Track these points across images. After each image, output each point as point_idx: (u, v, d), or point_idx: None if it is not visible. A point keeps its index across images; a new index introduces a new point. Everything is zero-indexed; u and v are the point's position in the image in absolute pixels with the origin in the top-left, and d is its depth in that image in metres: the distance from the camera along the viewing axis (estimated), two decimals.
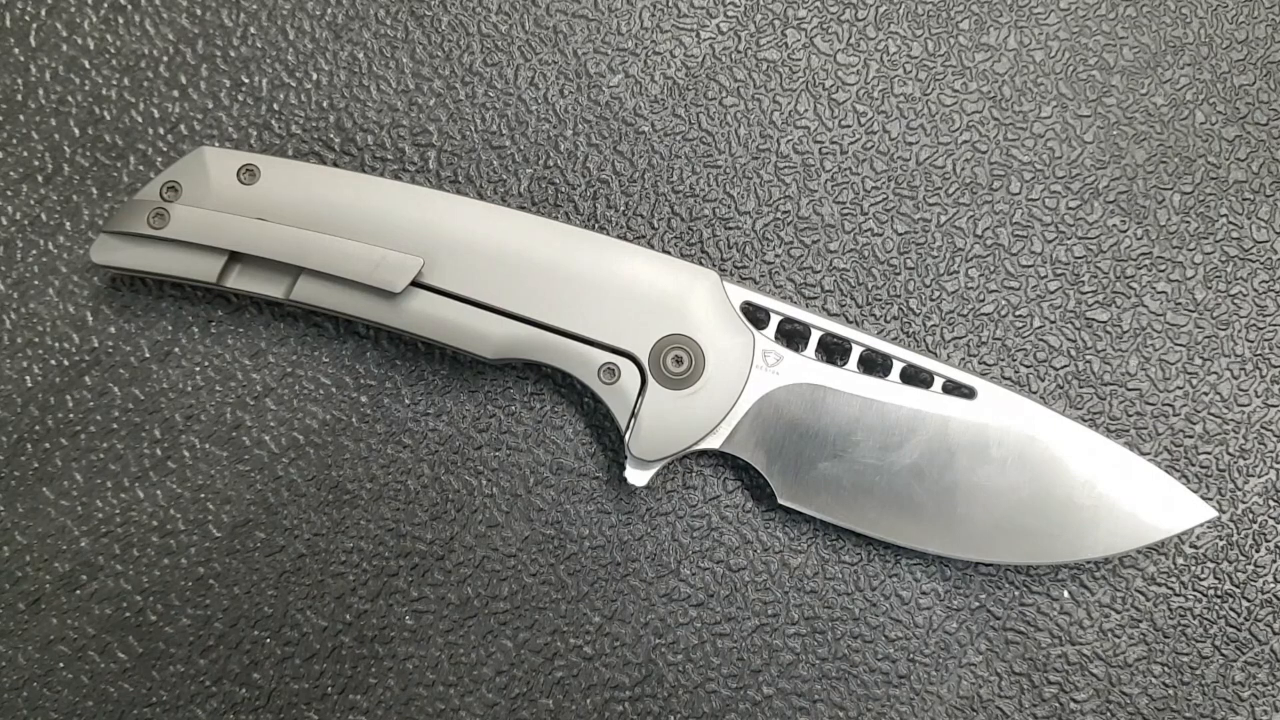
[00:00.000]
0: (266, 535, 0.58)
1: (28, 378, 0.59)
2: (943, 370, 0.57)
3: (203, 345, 0.59)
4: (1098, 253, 0.62)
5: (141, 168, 0.61)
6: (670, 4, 0.63)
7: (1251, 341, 0.61)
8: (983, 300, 0.61)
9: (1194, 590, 0.59)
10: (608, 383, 0.56)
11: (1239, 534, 0.60)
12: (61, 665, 0.57)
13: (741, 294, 0.57)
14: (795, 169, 0.62)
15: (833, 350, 0.58)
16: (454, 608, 0.58)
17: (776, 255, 0.61)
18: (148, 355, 0.59)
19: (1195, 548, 0.59)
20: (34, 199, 0.60)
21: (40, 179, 0.61)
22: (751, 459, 0.57)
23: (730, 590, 0.58)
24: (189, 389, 0.59)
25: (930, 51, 0.63)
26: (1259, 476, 0.60)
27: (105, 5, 0.62)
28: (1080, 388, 0.61)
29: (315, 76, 0.62)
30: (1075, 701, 0.58)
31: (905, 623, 0.58)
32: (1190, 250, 0.62)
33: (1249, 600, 0.59)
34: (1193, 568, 0.59)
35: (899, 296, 0.61)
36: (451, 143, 0.61)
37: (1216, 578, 0.59)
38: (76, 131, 0.61)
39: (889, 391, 0.56)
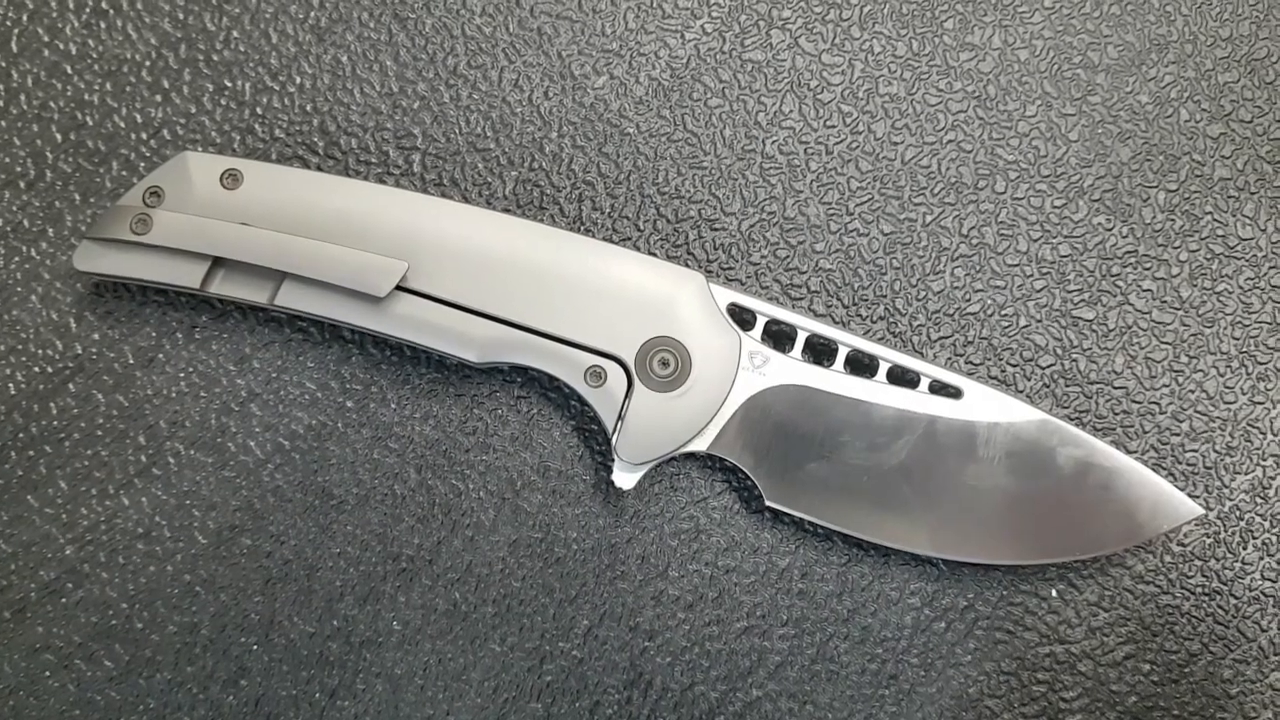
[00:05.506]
0: (253, 541, 0.58)
1: (11, 385, 0.59)
2: (929, 370, 0.57)
3: (187, 351, 0.59)
4: (1083, 251, 0.62)
5: (124, 173, 0.60)
6: (655, 5, 0.63)
7: (1237, 339, 0.61)
8: (969, 300, 0.61)
9: (1182, 588, 0.59)
10: (594, 385, 0.56)
11: (1226, 531, 0.60)
12: (48, 674, 0.57)
13: (728, 295, 0.57)
14: (781, 170, 0.62)
15: (819, 351, 0.58)
16: (442, 612, 0.58)
17: (762, 256, 0.61)
18: (132, 361, 0.59)
19: (1183, 545, 0.59)
20: (16, 205, 0.60)
21: (22, 185, 0.60)
22: (739, 461, 0.57)
23: (718, 592, 0.58)
24: (173, 395, 0.59)
25: (915, 51, 0.63)
26: (1245, 474, 0.60)
27: (87, 10, 0.62)
28: (1066, 386, 0.61)
29: (299, 80, 0.62)
30: (1064, 700, 0.58)
31: (893, 623, 0.58)
32: (1175, 248, 0.62)
33: (1236, 597, 0.59)
34: (1180, 565, 0.59)
35: (885, 297, 0.61)
36: (436, 146, 0.61)
37: (1204, 575, 0.59)
38: (59, 137, 0.61)
39: (876, 392, 0.56)
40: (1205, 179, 0.63)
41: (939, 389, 0.57)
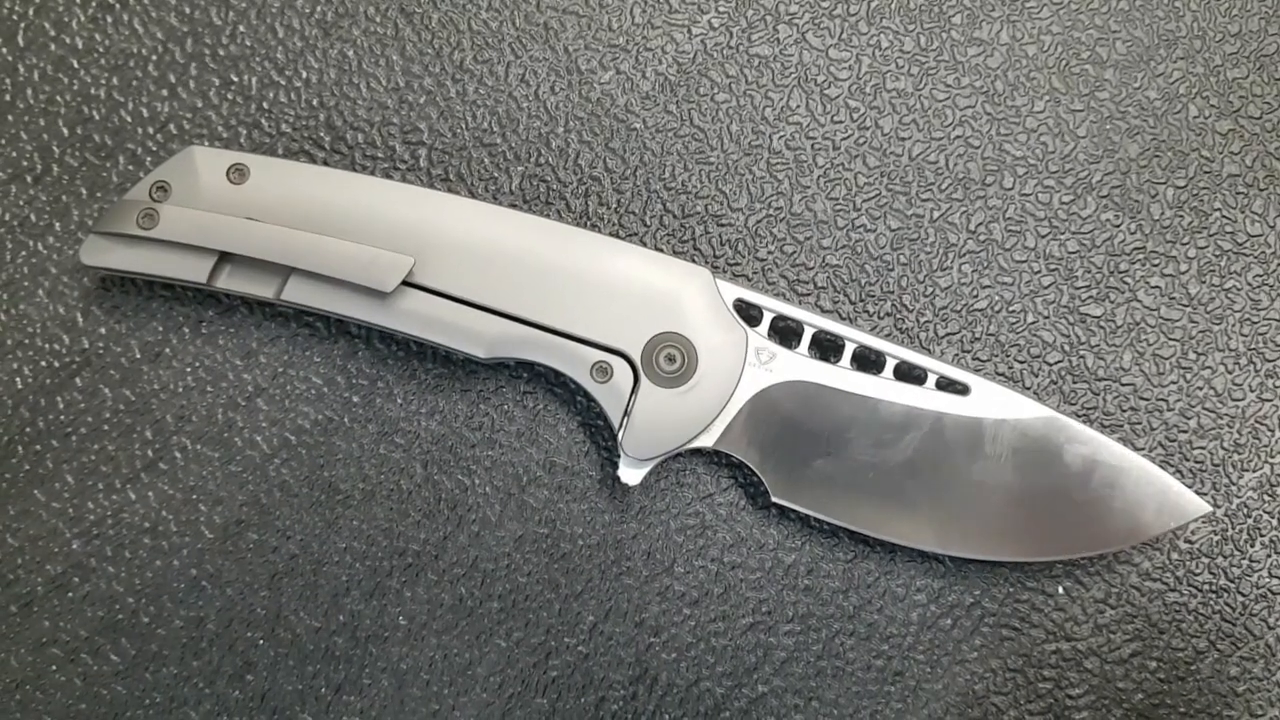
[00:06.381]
0: (259, 536, 0.58)
1: (18, 379, 0.59)
2: (936, 367, 0.57)
3: (194, 346, 0.59)
4: (1091, 247, 0.61)
5: (131, 167, 0.60)
6: (661, 0, 0.63)
7: (1245, 336, 0.61)
8: (976, 296, 0.61)
9: (1189, 585, 0.59)
10: (600, 381, 0.56)
11: (1233, 529, 0.59)
12: (54, 668, 0.57)
13: (734, 291, 0.57)
14: (787, 165, 0.62)
15: (826, 347, 0.58)
16: (448, 608, 0.58)
17: (769, 252, 0.61)
18: (138, 356, 0.59)
19: (1190, 543, 0.59)
20: (23, 200, 0.60)
21: (29, 179, 0.60)
22: (745, 457, 0.56)
23: (724, 588, 0.58)
24: (180, 390, 0.59)
25: (922, 46, 0.63)
26: (1253, 471, 0.60)
27: (93, 4, 0.62)
28: (1074, 383, 0.60)
29: (305, 74, 0.61)
30: (1070, 698, 0.58)
31: (899, 619, 0.58)
32: (1184, 244, 0.62)
33: (1244, 595, 0.59)
34: (1187, 563, 0.59)
35: (892, 293, 0.61)
36: (442, 140, 0.61)
37: (1211, 573, 0.59)
38: (65, 131, 0.61)
39: (882, 388, 0.56)
40: (1214, 175, 0.62)
41: (946, 385, 0.57)
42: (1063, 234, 0.61)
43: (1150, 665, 0.59)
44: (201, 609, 0.57)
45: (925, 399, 0.56)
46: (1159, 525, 0.56)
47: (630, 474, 0.56)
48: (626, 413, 0.55)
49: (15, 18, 0.62)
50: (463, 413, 0.59)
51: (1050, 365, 0.61)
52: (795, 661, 0.58)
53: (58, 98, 0.61)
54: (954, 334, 0.61)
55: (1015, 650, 0.58)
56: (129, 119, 0.61)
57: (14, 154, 0.60)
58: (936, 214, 0.62)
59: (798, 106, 0.62)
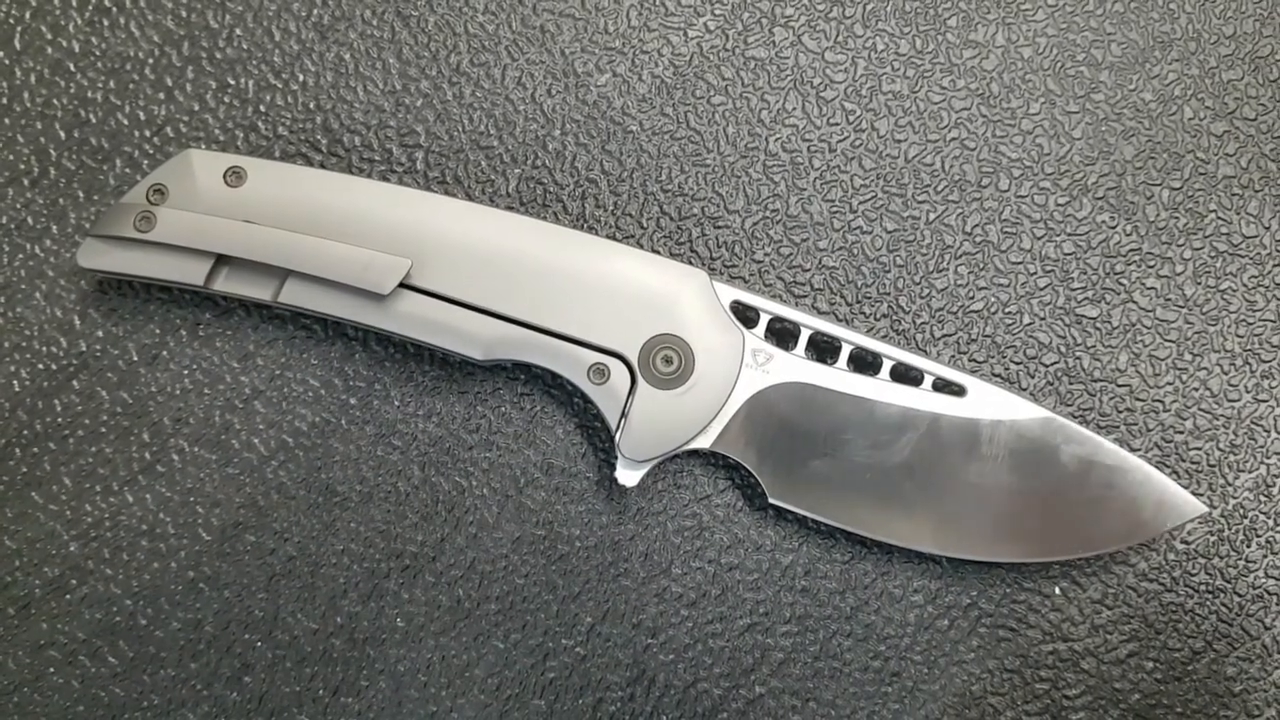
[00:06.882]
0: (256, 538, 0.58)
1: (15, 382, 0.59)
2: (933, 368, 0.57)
3: (191, 348, 0.59)
4: (1087, 249, 0.62)
5: (128, 170, 0.60)
6: (658, 2, 0.63)
7: (1241, 337, 0.61)
8: (972, 297, 0.61)
9: (1185, 586, 0.59)
10: (597, 383, 0.56)
11: (1230, 529, 0.60)
12: (52, 670, 0.57)
13: (731, 293, 0.57)
14: (784, 167, 0.62)
15: (823, 349, 0.58)
16: (445, 609, 0.58)
17: (766, 254, 0.61)
18: (136, 359, 0.59)
19: (1186, 544, 0.59)
20: (20, 203, 0.60)
21: (26, 183, 0.60)
22: (742, 458, 0.57)
23: (721, 589, 0.58)
24: (177, 392, 0.59)
25: (918, 49, 0.63)
26: (1249, 472, 0.60)
27: (90, 8, 0.62)
28: (1070, 384, 0.61)
29: (301, 78, 0.62)
30: (1067, 698, 0.58)
31: (897, 620, 0.58)
32: (1179, 246, 0.62)
33: (1240, 595, 0.59)
34: (1184, 563, 0.59)
35: (888, 294, 0.61)
36: (439, 143, 0.61)
37: (1208, 573, 0.59)
38: (62, 135, 0.61)
39: (879, 390, 0.56)
40: (1209, 177, 0.62)
41: (942, 387, 0.57)
42: (1058, 236, 0.62)
43: (1147, 666, 0.59)
44: (199, 611, 0.57)
45: (922, 400, 0.56)
46: (1155, 526, 0.56)
47: (627, 475, 0.56)
48: (624, 414, 0.56)
49: (12, 21, 0.62)
50: (460, 415, 0.59)
51: (1046, 366, 0.61)
52: (792, 662, 0.58)
53: (55, 101, 0.61)
54: (950, 335, 0.61)
55: (1012, 651, 0.59)
56: (126, 122, 0.61)
57: (11, 157, 0.61)
58: (933, 216, 0.62)
59: (794, 109, 0.62)
